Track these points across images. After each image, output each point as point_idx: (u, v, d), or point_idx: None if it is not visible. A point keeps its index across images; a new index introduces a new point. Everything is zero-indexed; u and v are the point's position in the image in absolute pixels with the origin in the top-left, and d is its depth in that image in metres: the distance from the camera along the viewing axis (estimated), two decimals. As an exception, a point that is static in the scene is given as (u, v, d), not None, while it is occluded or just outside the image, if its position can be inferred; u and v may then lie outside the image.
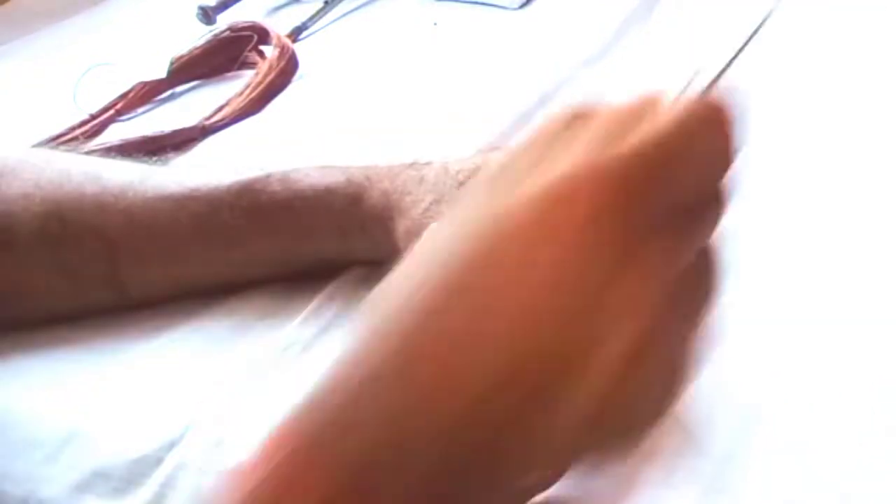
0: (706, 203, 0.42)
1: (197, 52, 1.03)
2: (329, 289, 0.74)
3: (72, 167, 0.75)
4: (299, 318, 0.72)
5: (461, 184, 0.68)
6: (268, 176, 0.73)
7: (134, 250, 0.73)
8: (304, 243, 0.73)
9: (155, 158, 0.91)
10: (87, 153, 0.92)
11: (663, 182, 0.39)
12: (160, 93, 1.01)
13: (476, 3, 1.06)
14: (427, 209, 0.68)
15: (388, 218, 0.70)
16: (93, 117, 0.98)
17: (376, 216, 0.70)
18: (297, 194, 0.72)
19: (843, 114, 0.83)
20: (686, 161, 0.40)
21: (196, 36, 1.04)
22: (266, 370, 0.69)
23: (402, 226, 0.69)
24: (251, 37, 1.02)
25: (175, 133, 0.93)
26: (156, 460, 0.64)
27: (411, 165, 0.71)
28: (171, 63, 1.02)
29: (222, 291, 0.75)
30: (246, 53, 1.02)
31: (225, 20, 1.07)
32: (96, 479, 0.65)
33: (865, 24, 0.92)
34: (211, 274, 0.74)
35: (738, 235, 0.73)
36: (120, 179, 0.74)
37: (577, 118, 0.41)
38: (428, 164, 0.71)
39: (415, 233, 0.67)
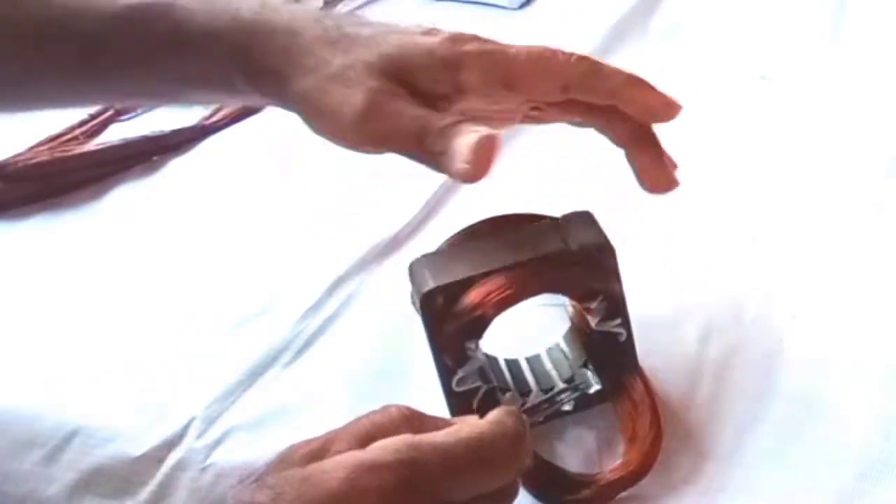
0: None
1: (197, 51, 1.02)
2: (329, 285, 0.74)
3: None
4: (299, 315, 0.72)
5: (376, 50, 0.63)
6: (149, 7, 0.66)
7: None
8: (189, 86, 0.68)
9: (155, 158, 0.92)
10: (88, 153, 0.92)
11: (441, 484, 0.48)
12: (160, 93, 1.01)
13: (476, 3, 1.06)
14: (335, 73, 0.62)
15: (284, 76, 0.64)
16: (93, 117, 0.97)
17: (269, 71, 0.64)
18: (182, 35, 0.66)
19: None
20: (465, 472, 0.49)
21: (196, 36, 1.03)
22: (266, 368, 0.69)
23: (300, 84, 0.63)
24: (251, 37, 1.02)
25: (175, 133, 0.93)
26: (156, 460, 0.64)
27: (319, 21, 0.65)
28: (171, 63, 1.02)
29: (221, 289, 0.75)
30: (246, 53, 1.02)
31: (225, 20, 1.07)
32: (96, 479, 0.65)
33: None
34: (85, 99, 0.73)
35: (731, 238, 0.73)
36: None
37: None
38: (338, 22, 0.65)
39: (315, 96, 0.62)
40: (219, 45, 0.65)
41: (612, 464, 0.58)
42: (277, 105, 0.66)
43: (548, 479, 0.58)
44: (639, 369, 0.62)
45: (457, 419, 0.52)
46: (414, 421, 0.51)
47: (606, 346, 0.61)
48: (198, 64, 0.66)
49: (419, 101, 0.62)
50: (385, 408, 0.51)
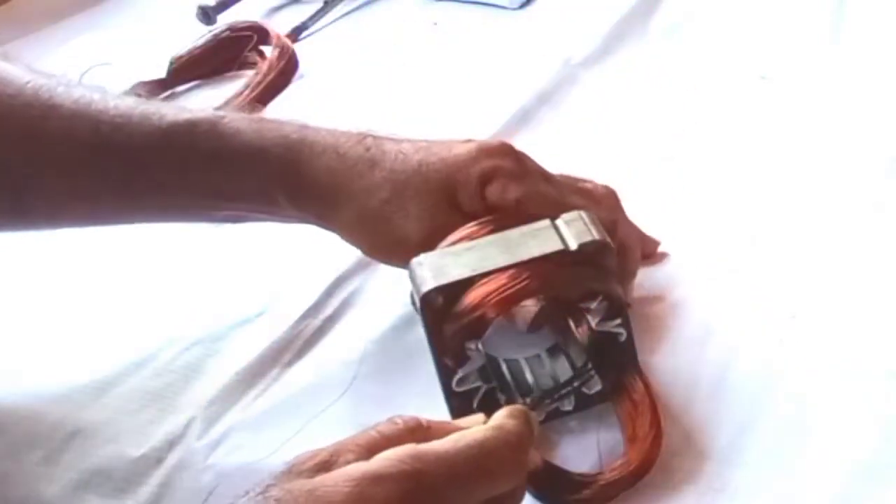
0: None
1: (197, 52, 1.03)
2: (329, 285, 0.74)
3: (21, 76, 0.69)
4: (299, 315, 0.72)
5: (424, 176, 0.65)
6: (194, 123, 0.68)
7: (44, 192, 0.70)
8: (228, 200, 0.68)
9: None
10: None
11: (446, 494, 0.49)
12: (160, 93, 1.01)
13: (476, 3, 1.06)
14: (387, 201, 0.65)
15: (331, 198, 0.66)
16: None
17: (315, 191, 0.66)
18: (227, 152, 0.67)
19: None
20: (468, 481, 0.49)
21: (196, 36, 1.04)
22: (266, 368, 0.69)
23: (349, 210, 0.66)
24: (251, 37, 1.02)
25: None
26: (156, 460, 0.64)
27: (361, 141, 0.67)
28: (171, 63, 1.02)
29: (220, 289, 0.75)
30: (246, 53, 1.02)
31: (225, 20, 1.07)
32: (96, 479, 0.65)
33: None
34: (119, 218, 0.73)
35: (731, 237, 0.73)
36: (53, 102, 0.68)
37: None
38: (378, 141, 0.67)
39: (368, 224, 0.65)
40: (265, 163, 0.67)
41: (612, 464, 0.58)
42: (314, 223, 0.68)
43: (548, 479, 0.58)
44: (639, 369, 0.62)
45: (464, 422, 0.53)
46: (419, 431, 0.51)
47: (606, 346, 0.61)
48: (241, 180, 0.67)
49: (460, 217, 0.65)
50: (391, 419, 0.52)
